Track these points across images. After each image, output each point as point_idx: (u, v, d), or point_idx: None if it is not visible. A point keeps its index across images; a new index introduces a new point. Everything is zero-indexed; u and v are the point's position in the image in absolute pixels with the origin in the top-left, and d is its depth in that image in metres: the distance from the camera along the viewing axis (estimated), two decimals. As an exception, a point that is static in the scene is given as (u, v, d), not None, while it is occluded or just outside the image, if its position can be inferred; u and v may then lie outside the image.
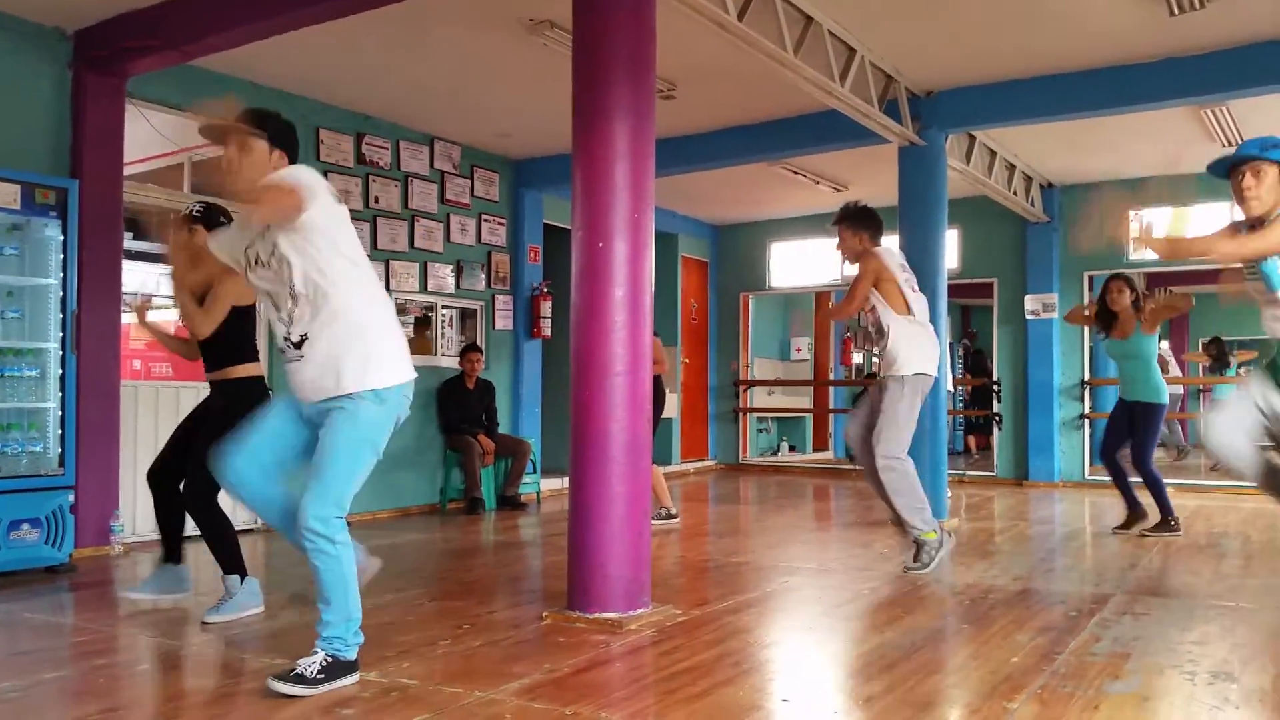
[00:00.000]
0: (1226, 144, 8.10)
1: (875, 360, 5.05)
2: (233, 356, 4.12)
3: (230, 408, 3.87)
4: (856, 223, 5.17)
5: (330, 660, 3.04)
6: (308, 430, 3.19)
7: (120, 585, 5.02)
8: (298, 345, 3.09)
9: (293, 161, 3.24)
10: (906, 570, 4.99)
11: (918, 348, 5.00)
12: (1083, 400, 9.94)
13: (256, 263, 3.17)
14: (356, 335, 3.10)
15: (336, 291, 3.08)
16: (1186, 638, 3.77)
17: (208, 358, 4.15)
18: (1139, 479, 6.38)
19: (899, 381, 4.95)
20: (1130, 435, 6.38)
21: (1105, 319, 6.50)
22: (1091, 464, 10.00)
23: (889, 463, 4.90)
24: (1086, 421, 9.90)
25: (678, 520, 7.14)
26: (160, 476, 4.25)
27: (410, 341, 8.16)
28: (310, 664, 3.01)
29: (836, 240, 5.24)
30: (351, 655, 3.11)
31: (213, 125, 3.17)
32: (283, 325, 3.13)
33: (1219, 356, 12.24)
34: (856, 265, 5.17)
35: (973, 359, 13.97)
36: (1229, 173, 3.64)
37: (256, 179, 3.09)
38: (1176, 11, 5.49)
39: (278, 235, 3.08)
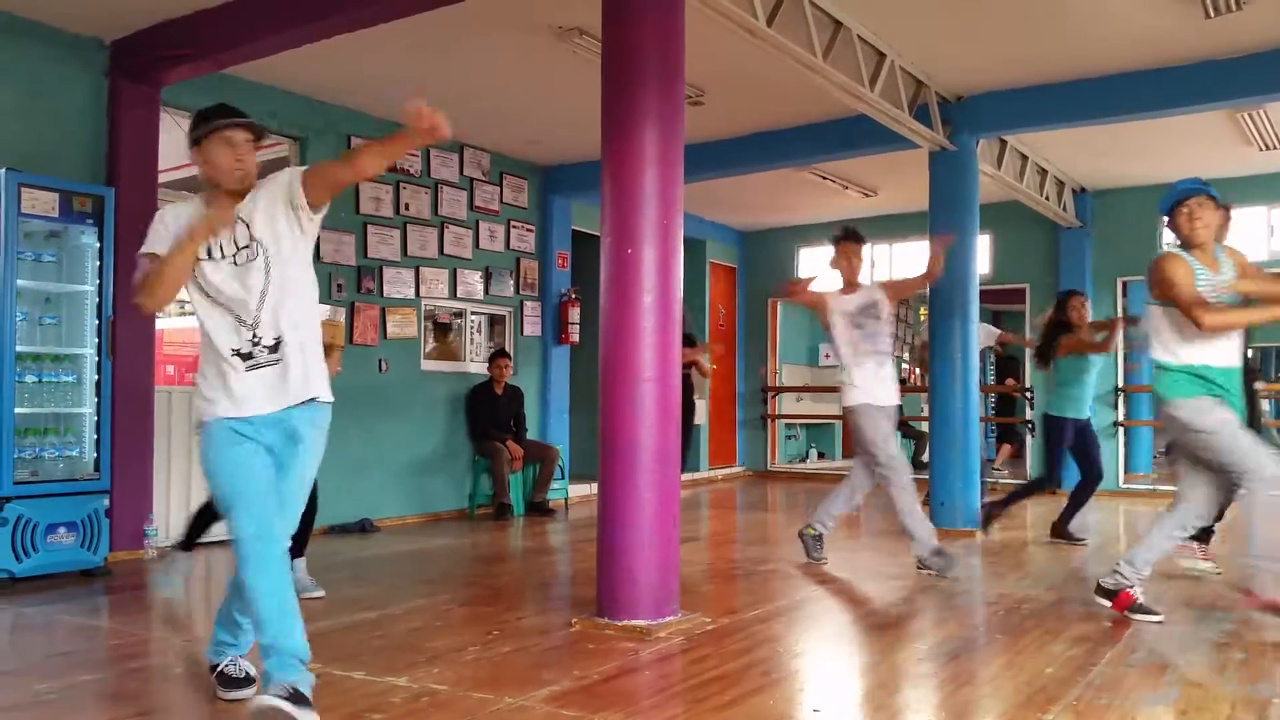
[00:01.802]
0: (1264, 147, 7.99)
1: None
2: None
3: None
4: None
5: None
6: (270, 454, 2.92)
7: (154, 588, 5.09)
8: (273, 349, 2.89)
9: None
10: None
11: None
12: (1116, 407, 9.80)
13: (223, 256, 2.91)
14: (317, 343, 3.02)
15: (308, 293, 3.00)
16: (1226, 650, 3.70)
17: None
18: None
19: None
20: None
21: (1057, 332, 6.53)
22: (1126, 472, 9.90)
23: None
24: (1120, 429, 9.77)
25: None
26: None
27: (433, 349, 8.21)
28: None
29: (845, 260, 5.60)
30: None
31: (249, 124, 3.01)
32: (247, 329, 2.89)
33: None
34: (862, 283, 5.59)
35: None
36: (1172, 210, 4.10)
37: (253, 170, 2.98)
38: (1213, 14, 5.42)
39: (260, 225, 2.90)
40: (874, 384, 5.35)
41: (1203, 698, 3.13)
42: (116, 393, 5.42)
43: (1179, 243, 4.11)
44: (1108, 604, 4.22)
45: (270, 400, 2.89)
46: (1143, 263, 10.03)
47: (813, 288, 5.75)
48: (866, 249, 5.80)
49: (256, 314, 2.89)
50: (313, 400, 2.94)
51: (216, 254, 2.92)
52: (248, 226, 2.92)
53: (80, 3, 5.36)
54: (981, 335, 8.31)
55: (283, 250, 2.93)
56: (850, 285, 5.56)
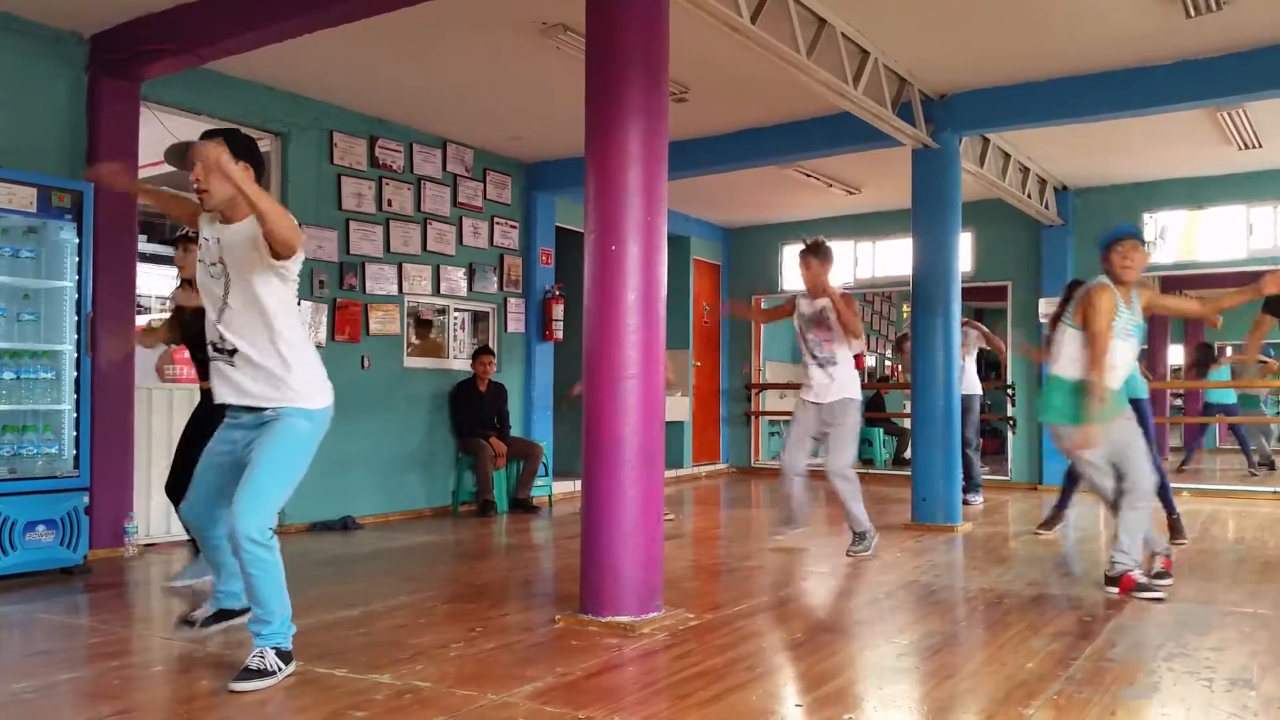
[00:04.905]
0: (1243, 146, 8.05)
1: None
2: None
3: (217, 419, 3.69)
4: (826, 258, 5.84)
5: (277, 651, 3.19)
6: (241, 442, 3.28)
7: (134, 585, 5.06)
8: (230, 354, 3.22)
9: (258, 173, 3.21)
10: (849, 554, 5.76)
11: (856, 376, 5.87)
12: (1097, 404, 9.86)
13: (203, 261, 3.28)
14: (295, 358, 3.23)
15: (275, 313, 3.18)
16: (1204, 644, 3.74)
17: (200, 365, 4.19)
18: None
19: (852, 403, 5.76)
20: None
21: None
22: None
23: (847, 474, 5.76)
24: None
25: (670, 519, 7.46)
26: (176, 489, 4.47)
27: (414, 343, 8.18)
28: (262, 659, 3.15)
29: (804, 270, 5.83)
30: (289, 645, 3.26)
31: (174, 147, 3.28)
32: (214, 330, 3.24)
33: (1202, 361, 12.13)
34: (824, 294, 5.76)
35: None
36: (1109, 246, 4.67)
37: (225, 194, 3.15)
38: (1193, 13, 5.46)
39: (224, 250, 3.18)
40: None
41: (1181, 692, 3.16)
42: (96, 389, 5.38)
43: None
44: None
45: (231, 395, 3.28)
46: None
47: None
48: (849, 247, 6.07)
49: (222, 317, 3.22)
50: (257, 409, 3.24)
51: (209, 260, 3.25)
52: (219, 246, 3.21)
53: (59, -4, 5.31)
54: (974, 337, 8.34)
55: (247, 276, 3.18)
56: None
